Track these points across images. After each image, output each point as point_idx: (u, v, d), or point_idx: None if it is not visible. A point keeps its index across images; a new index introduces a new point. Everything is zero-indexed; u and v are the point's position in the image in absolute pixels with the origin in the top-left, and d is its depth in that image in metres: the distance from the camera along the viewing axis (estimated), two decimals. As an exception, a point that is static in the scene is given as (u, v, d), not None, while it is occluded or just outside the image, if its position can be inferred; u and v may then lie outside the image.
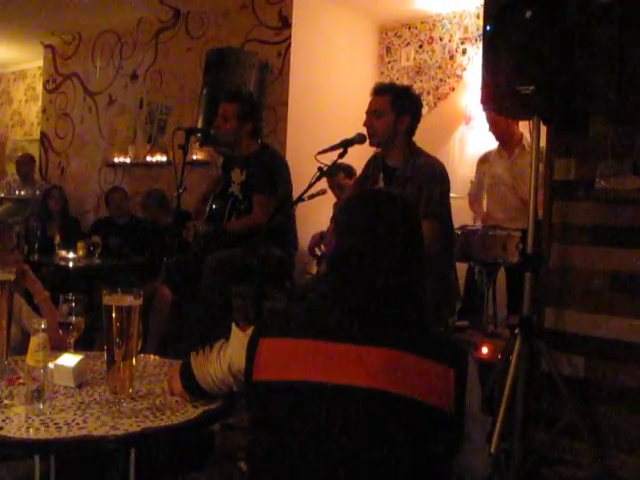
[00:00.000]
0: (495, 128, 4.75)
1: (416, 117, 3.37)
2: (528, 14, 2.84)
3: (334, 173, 5.01)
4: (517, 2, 2.89)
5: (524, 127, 4.96)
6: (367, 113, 3.38)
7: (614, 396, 3.10)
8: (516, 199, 4.59)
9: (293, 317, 1.62)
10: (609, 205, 3.15)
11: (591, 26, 2.82)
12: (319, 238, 3.75)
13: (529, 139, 3.31)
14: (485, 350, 3.81)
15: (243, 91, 5.14)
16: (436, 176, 3.26)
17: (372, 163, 3.54)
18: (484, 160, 4.93)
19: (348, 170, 5.12)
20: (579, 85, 2.84)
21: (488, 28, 3.06)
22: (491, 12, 3.05)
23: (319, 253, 3.81)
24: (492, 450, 2.79)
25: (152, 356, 2.41)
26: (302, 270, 5.19)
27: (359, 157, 3.85)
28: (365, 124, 3.35)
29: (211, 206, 4.51)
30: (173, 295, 5.07)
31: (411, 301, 1.54)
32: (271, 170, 4.24)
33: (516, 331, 3.07)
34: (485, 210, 4.86)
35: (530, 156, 4.13)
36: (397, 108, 3.28)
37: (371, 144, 3.40)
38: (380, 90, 3.36)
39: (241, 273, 4.00)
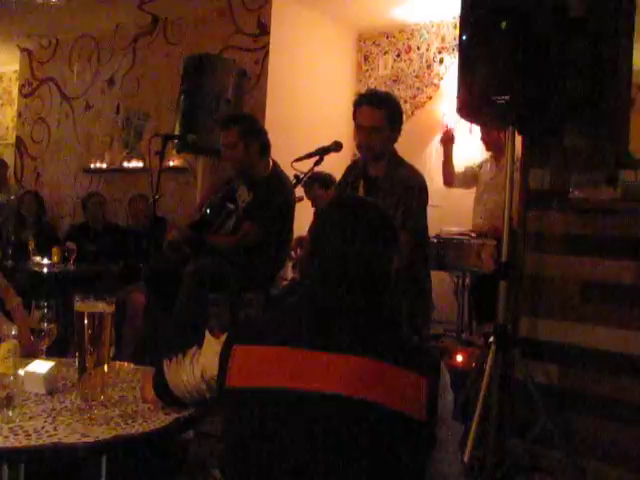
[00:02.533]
0: (487, 137, 4.84)
1: (401, 126, 3.36)
2: (503, 25, 2.86)
3: (308, 185, 5.03)
4: (492, 13, 2.92)
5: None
6: (362, 127, 3.29)
7: (588, 404, 3.13)
8: (497, 207, 4.66)
9: (266, 324, 1.61)
10: (583, 215, 3.19)
11: (565, 38, 2.85)
12: (297, 242, 3.76)
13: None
14: (460, 358, 3.83)
15: (238, 112, 5.02)
16: (414, 188, 3.26)
17: (352, 170, 3.52)
18: (480, 166, 4.99)
19: (323, 180, 5.10)
20: (553, 96, 2.87)
21: (464, 38, 3.08)
22: (467, 22, 3.07)
23: (295, 256, 3.83)
24: (466, 457, 2.80)
25: (125, 363, 2.40)
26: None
27: (336, 164, 3.86)
28: (361, 139, 3.29)
29: (205, 210, 4.36)
30: (147, 301, 5.04)
31: (383, 308, 1.54)
32: (273, 204, 3.96)
33: (490, 339, 3.08)
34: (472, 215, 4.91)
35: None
36: (392, 121, 3.26)
37: (365, 158, 3.38)
38: (376, 103, 3.27)
39: (218, 281, 3.98)
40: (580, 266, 3.18)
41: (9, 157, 8.20)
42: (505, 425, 3.18)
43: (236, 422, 1.52)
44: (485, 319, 4.42)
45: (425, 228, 3.45)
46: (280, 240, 4.02)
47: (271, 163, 4.11)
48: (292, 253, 3.82)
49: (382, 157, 3.32)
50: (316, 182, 5.08)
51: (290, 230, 4.12)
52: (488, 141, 4.86)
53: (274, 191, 3.97)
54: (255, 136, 4.03)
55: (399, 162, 3.35)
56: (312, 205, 5.16)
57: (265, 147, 4.07)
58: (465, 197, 5.10)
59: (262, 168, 4.06)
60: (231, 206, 4.18)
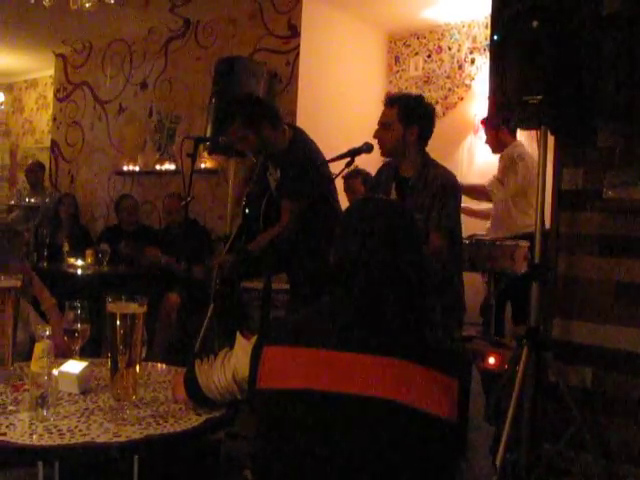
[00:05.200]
0: (491, 140, 4.87)
1: (426, 127, 3.33)
2: (535, 24, 2.83)
3: (353, 176, 5.01)
4: (524, 12, 2.89)
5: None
6: (377, 124, 3.36)
7: (621, 407, 3.08)
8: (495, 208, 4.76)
9: (297, 325, 1.62)
10: (617, 215, 3.14)
11: (598, 36, 2.82)
12: None
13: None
14: (492, 360, 3.79)
15: (233, 98, 4.58)
16: (448, 189, 3.24)
17: (385, 171, 3.51)
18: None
19: (366, 177, 5.07)
20: (586, 95, 2.84)
21: (495, 38, 3.05)
22: (498, 22, 3.05)
23: None
24: (498, 461, 2.78)
25: (157, 364, 2.42)
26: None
27: (369, 166, 3.85)
28: (375, 136, 3.33)
29: (244, 211, 4.26)
30: (181, 303, 5.09)
31: (413, 309, 1.53)
32: (299, 173, 3.72)
33: (523, 341, 3.05)
34: None
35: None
36: (404, 119, 3.24)
37: (382, 155, 3.39)
38: (389, 101, 3.33)
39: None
40: (614, 267, 3.14)
41: (44, 160, 8.32)
42: (538, 428, 3.15)
43: (267, 423, 1.52)
44: (520, 320, 4.39)
45: (459, 228, 3.43)
46: (328, 210, 3.76)
47: (288, 131, 3.90)
48: None
49: (400, 156, 3.32)
50: (360, 175, 5.04)
51: (335, 195, 3.94)
52: (491, 144, 4.90)
53: (294, 161, 3.76)
54: (258, 119, 3.77)
55: (430, 163, 3.34)
56: (348, 199, 5.12)
57: (275, 123, 3.82)
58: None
59: (280, 140, 3.84)
60: (271, 190, 3.97)
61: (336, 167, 3.31)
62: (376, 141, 3.32)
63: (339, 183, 4.25)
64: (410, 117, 3.26)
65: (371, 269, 1.52)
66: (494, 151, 4.91)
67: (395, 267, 1.53)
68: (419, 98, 3.39)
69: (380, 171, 3.56)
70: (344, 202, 4.99)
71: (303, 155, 3.78)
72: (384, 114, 3.33)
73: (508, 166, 4.66)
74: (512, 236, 4.42)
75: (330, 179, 3.71)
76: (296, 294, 4.00)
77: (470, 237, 4.38)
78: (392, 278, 1.52)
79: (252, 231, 4.01)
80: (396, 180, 3.38)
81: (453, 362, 1.49)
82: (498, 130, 4.81)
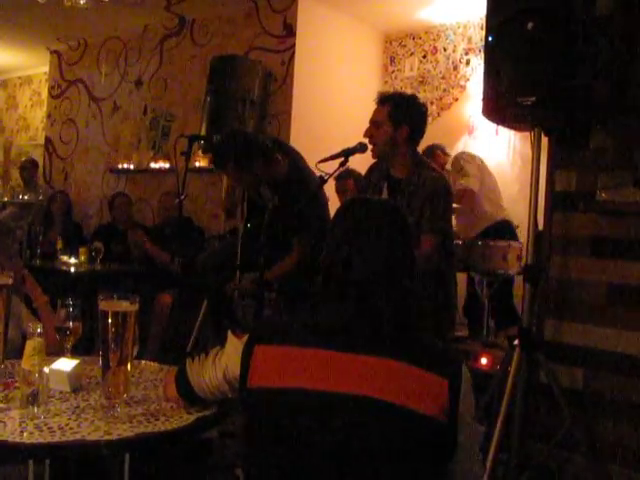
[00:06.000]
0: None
1: (417, 127, 3.30)
2: (530, 25, 2.83)
3: (344, 177, 5.01)
4: (519, 13, 2.89)
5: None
6: (369, 123, 3.35)
7: (613, 408, 3.09)
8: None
9: (288, 325, 1.62)
10: (610, 217, 3.15)
11: (593, 38, 2.82)
12: None
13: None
14: (484, 360, 3.81)
15: (223, 138, 4.32)
16: (440, 190, 3.23)
17: (376, 171, 3.51)
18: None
19: (358, 176, 5.07)
20: (580, 97, 2.84)
21: (490, 39, 3.05)
22: (493, 23, 3.05)
23: None
24: (489, 461, 2.79)
25: (149, 362, 2.41)
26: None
27: (362, 165, 3.85)
28: (365, 134, 3.33)
29: (245, 224, 4.24)
30: (173, 302, 5.09)
31: (405, 309, 1.54)
32: (308, 209, 3.65)
33: (515, 342, 3.06)
34: None
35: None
36: (395, 119, 3.23)
37: (373, 156, 3.38)
38: (381, 100, 3.31)
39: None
40: (606, 269, 3.15)
41: (38, 157, 8.31)
42: (529, 429, 3.16)
43: (258, 422, 1.53)
44: (504, 323, 4.42)
45: (451, 230, 3.43)
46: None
47: (282, 159, 3.87)
48: None
49: (390, 155, 3.31)
50: (351, 176, 5.04)
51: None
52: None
53: (298, 192, 3.69)
54: (250, 161, 3.76)
55: (422, 164, 3.33)
56: (340, 200, 5.13)
57: (268, 156, 3.81)
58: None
59: (275, 171, 3.86)
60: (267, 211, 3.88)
61: (329, 167, 3.31)
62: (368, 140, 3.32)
63: (330, 184, 4.24)
64: (401, 116, 3.24)
65: (363, 269, 1.52)
66: None
67: (387, 267, 1.53)
68: (411, 98, 3.38)
69: (371, 170, 3.55)
70: (336, 203, 5.01)
71: (305, 186, 3.74)
72: (375, 113, 3.32)
73: (459, 168, 4.95)
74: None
75: (324, 199, 3.87)
76: (282, 292, 4.01)
77: (463, 237, 4.40)
78: (384, 278, 1.52)
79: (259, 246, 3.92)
80: (388, 180, 3.38)
81: (444, 362, 1.49)
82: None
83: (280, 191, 3.88)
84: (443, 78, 6.32)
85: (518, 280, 4.24)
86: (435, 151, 5.26)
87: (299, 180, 3.83)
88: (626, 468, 3.01)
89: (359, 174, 4.94)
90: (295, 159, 3.96)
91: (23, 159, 8.39)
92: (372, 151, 3.32)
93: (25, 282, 2.77)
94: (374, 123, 3.30)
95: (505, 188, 5.12)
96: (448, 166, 5.18)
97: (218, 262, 4.22)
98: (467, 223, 4.85)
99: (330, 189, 4.69)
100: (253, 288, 3.83)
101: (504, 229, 4.74)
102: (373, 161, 3.53)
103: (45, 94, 8.90)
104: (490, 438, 2.81)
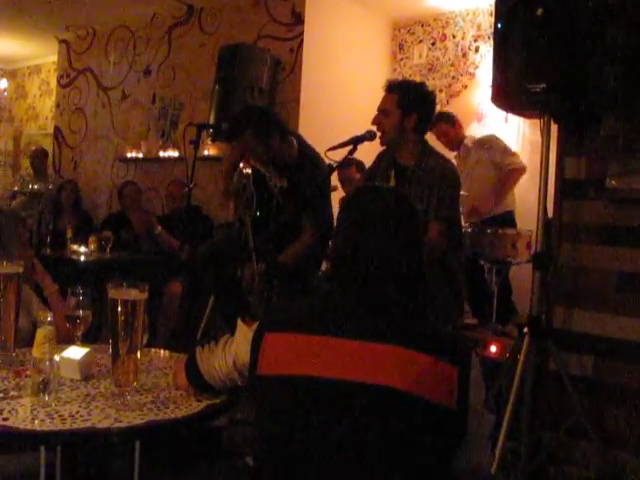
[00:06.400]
0: (445, 138, 5.20)
1: (425, 115, 3.29)
2: (539, 12, 2.82)
3: (346, 166, 5.00)
4: (528, 0, 2.88)
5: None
6: (377, 110, 3.34)
7: (622, 396, 3.09)
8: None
9: (297, 312, 1.62)
10: (619, 204, 3.13)
11: (603, 24, 2.80)
12: None
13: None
14: (494, 348, 3.80)
15: (243, 108, 4.45)
16: (447, 178, 3.22)
17: (384, 158, 3.50)
18: None
19: (360, 165, 5.09)
20: (590, 83, 2.83)
21: (499, 26, 3.04)
22: (502, 10, 3.04)
23: None
24: (498, 449, 2.79)
25: (158, 350, 2.43)
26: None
27: (370, 153, 3.84)
28: (373, 122, 3.31)
29: (255, 213, 4.07)
30: (183, 290, 5.10)
31: (414, 297, 1.54)
32: (319, 191, 3.72)
33: (524, 330, 3.06)
34: None
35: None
36: (403, 106, 3.22)
37: (381, 143, 3.37)
38: (389, 87, 3.31)
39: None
40: (616, 257, 3.13)
41: (48, 147, 8.32)
42: (538, 416, 3.16)
43: (268, 410, 1.53)
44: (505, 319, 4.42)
45: (458, 217, 3.42)
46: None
47: (295, 143, 3.89)
48: None
49: (398, 143, 3.30)
50: (354, 164, 5.04)
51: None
52: (446, 141, 5.21)
53: (311, 174, 3.75)
54: (269, 131, 3.76)
55: (429, 151, 3.32)
56: (344, 189, 5.13)
57: (283, 136, 3.81)
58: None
59: (288, 152, 3.86)
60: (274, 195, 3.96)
61: (339, 155, 3.30)
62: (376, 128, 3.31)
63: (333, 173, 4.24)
64: (409, 104, 3.23)
65: (371, 256, 1.52)
66: (452, 148, 5.23)
67: (396, 254, 1.53)
68: (419, 85, 3.36)
69: (379, 157, 3.54)
70: (340, 192, 5.01)
71: (318, 170, 3.76)
72: (384, 100, 3.31)
73: (503, 148, 5.04)
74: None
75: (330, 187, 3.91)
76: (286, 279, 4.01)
77: (472, 225, 4.39)
78: (393, 265, 1.52)
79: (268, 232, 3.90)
80: (395, 168, 3.37)
81: (453, 350, 1.49)
82: (453, 126, 5.20)
83: (290, 174, 3.87)
84: (452, 65, 6.29)
85: (522, 269, 4.23)
86: (351, 166, 5.13)
87: (311, 163, 3.83)
88: (635, 455, 3.01)
89: (359, 161, 4.95)
90: (305, 145, 3.96)
91: (33, 148, 8.42)
92: (380, 139, 3.30)
93: (35, 271, 2.78)
94: (382, 111, 3.28)
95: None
96: (467, 141, 5.26)
97: (217, 253, 4.21)
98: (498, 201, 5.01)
99: (333, 179, 4.67)
100: (270, 272, 3.81)
101: (510, 220, 4.98)
102: (380, 149, 3.52)
103: (54, 83, 8.91)
104: (499, 426, 2.82)
